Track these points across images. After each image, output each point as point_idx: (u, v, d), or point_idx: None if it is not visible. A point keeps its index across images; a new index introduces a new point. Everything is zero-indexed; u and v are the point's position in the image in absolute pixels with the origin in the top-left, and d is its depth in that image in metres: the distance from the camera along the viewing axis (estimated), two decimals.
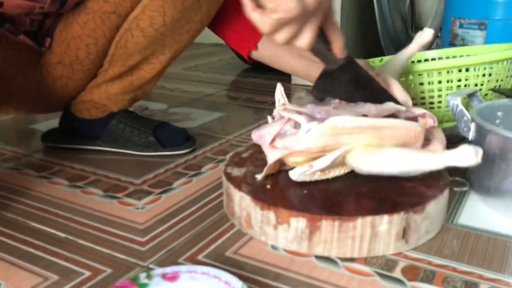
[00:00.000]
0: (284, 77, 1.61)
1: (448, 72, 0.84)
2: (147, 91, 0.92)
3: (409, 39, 1.86)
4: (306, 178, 0.63)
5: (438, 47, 1.62)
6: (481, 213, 0.68)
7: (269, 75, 1.68)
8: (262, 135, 0.64)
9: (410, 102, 0.73)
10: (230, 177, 0.66)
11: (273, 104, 1.29)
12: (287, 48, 0.85)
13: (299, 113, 0.62)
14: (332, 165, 0.61)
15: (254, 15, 0.52)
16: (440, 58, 1.10)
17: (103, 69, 0.87)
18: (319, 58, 0.64)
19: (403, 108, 0.67)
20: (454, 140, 0.87)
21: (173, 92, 1.44)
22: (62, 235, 0.62)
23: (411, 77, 0.86)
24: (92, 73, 0.87)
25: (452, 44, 1.42)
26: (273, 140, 0.63)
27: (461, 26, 1.38)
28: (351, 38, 1.53)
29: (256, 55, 0.91)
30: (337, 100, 0.70)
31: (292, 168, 0.62)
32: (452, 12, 1.43)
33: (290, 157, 0.62)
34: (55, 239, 0.61)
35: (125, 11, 0.81)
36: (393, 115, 0.68)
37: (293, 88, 1.51)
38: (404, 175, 0.61)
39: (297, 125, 0.63)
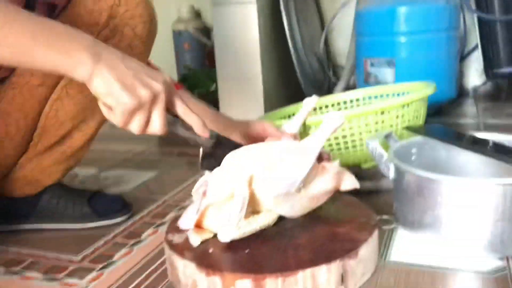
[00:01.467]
0: None
1: (365, 117, 0.91)
2: (80, 159, 0.92)
3: (326, 78, 1.97)
4: (236, 235, 0.64)
5: (355, 83, 1.73)
6: (409, 247, 0.74)
7: None
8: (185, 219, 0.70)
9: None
10: (172, 245, 0.68)
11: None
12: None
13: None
14: (248, 207, 0.64)
15: (103, 111, 0.58)
16: (357, 99, 1.19)
17: (33, 143, 0.86)
18: (191, 143, 0.67)
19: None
20: (376, 177, 0.95)
21: (102, 154, 1.42)
22: None
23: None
24: (23, 148, 0.86)
25: (366, 82, 1.53)
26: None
27: (372, 65, 1.50)
28: (272, 85, 1.60)
29: None
30: None
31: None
32: (363, 52, 1.54)
33: (205, 220, 0.67)
34: None
35: (53, 82, 0.81)
36: None
37: None
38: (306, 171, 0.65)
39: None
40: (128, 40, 0.82)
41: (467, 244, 0.69)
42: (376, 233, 0.68)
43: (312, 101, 0.83)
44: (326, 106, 1.20)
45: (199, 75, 1.98)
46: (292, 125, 0.82)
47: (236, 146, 0.70)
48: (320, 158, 0.69)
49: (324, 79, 1.94)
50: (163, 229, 0.87)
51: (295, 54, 1.59)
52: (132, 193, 1.06)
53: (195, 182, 1.09)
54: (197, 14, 2.20)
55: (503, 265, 0.66)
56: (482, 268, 0.66)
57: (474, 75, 1.96)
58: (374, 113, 0.92)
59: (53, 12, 0.80)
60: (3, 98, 0.80)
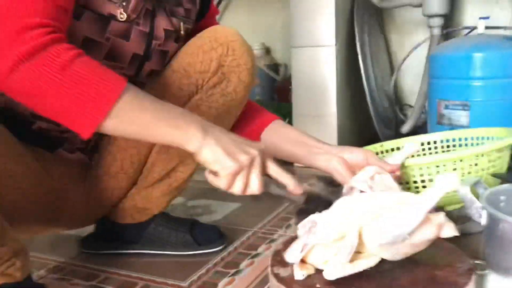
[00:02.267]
0: (287, 162, 1.71)
1: (455, 162, 0.95)
2: (183, 190, 1.00)
3: (395, 116, 2.01)
4: (340, 274, 0.70)
5: (425, 123, 1.75)
6: None
7: None
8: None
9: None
10: (279, 278, 0.73)
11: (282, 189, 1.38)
12: (285, 137, 0.94)
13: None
14: (352, 250, 0.69)
15: (210, 178, 0.69)
16: (435, 142, 1.23)
17: (143, 176, 0.95)
18: (284, 200, 0.75)
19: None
20: (462, 220, 0.97)
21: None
22: None
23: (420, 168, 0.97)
24: (134, 181, 0.95)
25: (439, 123, 1.56)
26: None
27: (446, 107, 1.53)
28: (346, 123, 1.66)
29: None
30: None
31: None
32: (436, 94, 1.58)
33: (310, 255, 0.72)
34: None
35: None
36: None
37: (297, 170, 1.61)
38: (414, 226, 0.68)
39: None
40: (234, 86, 0.90)
41: None
42: (473, 278, 0.72)
43: (414, 146, 0.88)
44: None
45: (269, 108, 2.06)
46: (394, 159, 0.87)
47: (329, 201, 0.75)
48: None
49: (393, 117, 1.98)
50: (258, 260, 0.93)
51: (369, 93, 1.64)
52: (222, 223, 1.13)
53: (278, 215, 1.17)
54: (267, 51, 2.30)
55: None
56: None
57: None
58: (468, 158, 0.95)
59: (165, 57, 0.90)
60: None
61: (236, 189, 0.69)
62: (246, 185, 0.69)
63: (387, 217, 0.69)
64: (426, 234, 0.71)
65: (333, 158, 0.85)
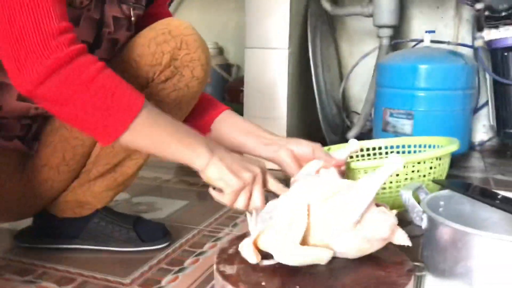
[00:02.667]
0: None
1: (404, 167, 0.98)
2: (128, 185, 0.97)
3: (341, 122, 2.06)
4: (293, 260, 0.70)
5: (370, 130, 1.81)
6: None
7: None
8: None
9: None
10: (225, 276, 0.73)
11: None
12: (235, 127, 0.94)
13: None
14: (302, 228, 0.69)
15: (214, 194, 0.75)
16: (379, 148, 1.26)
17: (87, 169, 0.91)
18: None
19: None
20: (404, 223, 1.01)
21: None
22: None
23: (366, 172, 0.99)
24: (76, 173, 0.91)
25: (384, 130, 1.61)
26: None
27: (391, 115, 1.58)
28: (295, 126, 1.68)
29: (211, 137, 0.97)
30: None
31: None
32: (382, 102, 1.63)
33: (264, 241, 0.71)
34: None
35: None
36: None
37: None
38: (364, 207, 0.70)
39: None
40: (186, 81, 0.89)
41: None
42: (413, 279, 0.74)
43: (357, 143, 0.90)
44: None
45: None
46: (339, 154, 0.89)
47: None
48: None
49: (340, 123, 2.02)
50: (203, 258, 0.92)
51: (319, 98, 1.67)
52: (167, 221, 1.11)
53: (225, 213, 1.17)
54: (220, 51, 2.29)
55: None
56: None
57: (482, 130, 2.05)
58: (412, 163, 0.99)
59: (115, 45, 0.87)
60: (63, 125, 0.86)
61: (240, 204, 0.73)
62: (249, 200, 0.73)
63: (335, 199, 0.70)
64: (380, 230, 0.73)
65: (280, 150, 0.86)
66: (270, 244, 0.72)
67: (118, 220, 0.95)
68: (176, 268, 0.88)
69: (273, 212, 0.72)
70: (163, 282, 0.83)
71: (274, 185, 0.77)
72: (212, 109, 0.96)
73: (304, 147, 0.87)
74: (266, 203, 0.74)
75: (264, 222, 0.73)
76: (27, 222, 0.98)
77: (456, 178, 1.55)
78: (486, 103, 1.92)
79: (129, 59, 0.86)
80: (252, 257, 0.71)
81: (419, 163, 0.99)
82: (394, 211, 0.75)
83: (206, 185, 1.43)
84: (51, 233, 0.95)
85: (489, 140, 2.04)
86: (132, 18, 0.88)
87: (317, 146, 0.88)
